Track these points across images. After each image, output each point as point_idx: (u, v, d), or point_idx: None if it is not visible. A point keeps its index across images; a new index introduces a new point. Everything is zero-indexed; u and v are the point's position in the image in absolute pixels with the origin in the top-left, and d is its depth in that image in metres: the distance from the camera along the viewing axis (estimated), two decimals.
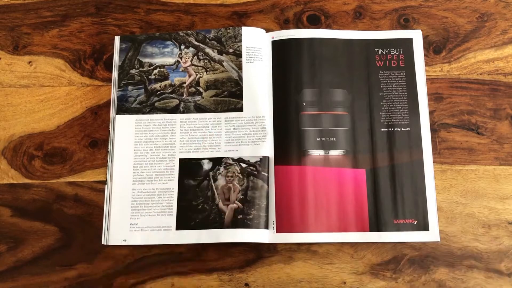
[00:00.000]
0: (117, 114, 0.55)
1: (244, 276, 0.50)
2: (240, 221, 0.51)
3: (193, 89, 0.56)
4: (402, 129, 0.54)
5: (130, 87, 0.56)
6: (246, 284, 0.50)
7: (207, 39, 0.57)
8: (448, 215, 0.51)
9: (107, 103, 0.55)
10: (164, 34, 0.57)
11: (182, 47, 0.57)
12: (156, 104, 0.55)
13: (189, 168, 0.53)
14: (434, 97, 0.55)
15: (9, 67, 0.57)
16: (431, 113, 0.54)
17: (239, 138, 0.54)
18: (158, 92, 0.56)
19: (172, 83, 0.56)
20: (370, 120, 0.54)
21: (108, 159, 0.53)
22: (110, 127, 0.54)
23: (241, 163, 0.53)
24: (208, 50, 0.57)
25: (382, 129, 0.54)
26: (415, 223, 0.51)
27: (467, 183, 0.52)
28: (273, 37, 0.57)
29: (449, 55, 0.56)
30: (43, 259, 0.51)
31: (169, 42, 0.57)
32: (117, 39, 0.57)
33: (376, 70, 0.56)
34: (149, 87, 0.56)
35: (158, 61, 0.57)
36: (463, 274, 0.49)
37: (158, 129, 0.54)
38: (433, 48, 0.56)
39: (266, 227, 0.51)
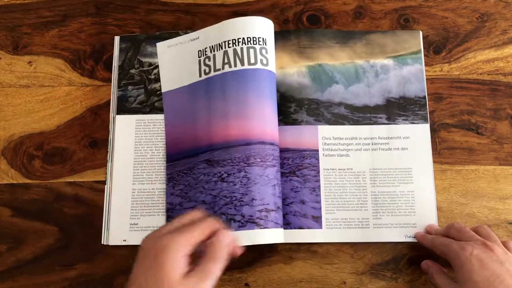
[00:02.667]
0: (117, 114, 0.55)
1: (244, 276, 0.50)
2: None
3: None
4: None
5: (130, 87, 0.56)
6: (246, 284, 0.50)
7: None
8: (448, 215, 0.51)
9: (107, 103, 0.55)
10: (164, 33, 0.57)
11: None
12: (156, 104, 0.55)
13: None
14: (434, 97, 0.55)
15: (9, 67, 0.57)
16: (431, 113, 0.54)
17: None
18: (158, 92, 0.56)
19: None
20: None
21: (108, 159, 0.53)
22: (110, 127, 0.54)
23: None
24: None
25: None
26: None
27: (467, 183, 0.52)
28: None
29: (449, 55, 0.56)
30: (43, 259, 0.51)
31: None
32: (117, 39, 0.57)
33: None
34: (149, 87, 0.56)
35: (158, 60, 0.57)
36: None
37: (158, 129, 0.54)
38: (433, 48, 0.56)
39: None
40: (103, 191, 0.52)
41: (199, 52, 0.54)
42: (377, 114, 0.54)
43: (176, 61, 0.55)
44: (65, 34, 0.58)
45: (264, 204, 0.47)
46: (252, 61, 0.50)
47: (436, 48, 0.56)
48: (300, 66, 0.55)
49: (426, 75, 0.55)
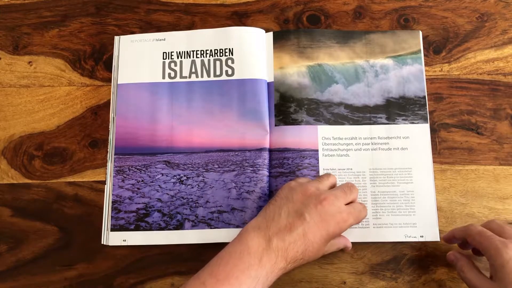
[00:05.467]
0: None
1: None
2: None
3: None
4: None
5: None
6: None
7: None
8: (448, 215, 0.51)
9: (107, 103, 0.55)
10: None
11: None
12: None
13: None
14: (434, 97, 0.55)
15: (9, 67, 0.57)
16: (431, 113, 0.54)
17: None
18: None
19: None
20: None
21: (108, 159, 0.53)
22: (110, 127, 0.54)
23: None
24: None
25: None
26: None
27: (467, 183, 0.52)
28: None
29: (449, 55, 0.56)
30: (43, 259, 0.51)
31: None
32: (117, 39, 0.57)
33: None
34: None
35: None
36: None
37: None
38: (433, 48, 0.56)
39: None
40: (103, 191, 0.52)
41: (164, 54, 0.55)
42: (376, 114, 0.54)
43: (137, 56, 0.56)
44: (65, 34, 0.58)
45: (217, 206, 0.50)
46: (218, 72, 0.54)
47: (436, 48, 0.56)
48: (300, 66, 0.55)
49: (426, 75, 0.55)
